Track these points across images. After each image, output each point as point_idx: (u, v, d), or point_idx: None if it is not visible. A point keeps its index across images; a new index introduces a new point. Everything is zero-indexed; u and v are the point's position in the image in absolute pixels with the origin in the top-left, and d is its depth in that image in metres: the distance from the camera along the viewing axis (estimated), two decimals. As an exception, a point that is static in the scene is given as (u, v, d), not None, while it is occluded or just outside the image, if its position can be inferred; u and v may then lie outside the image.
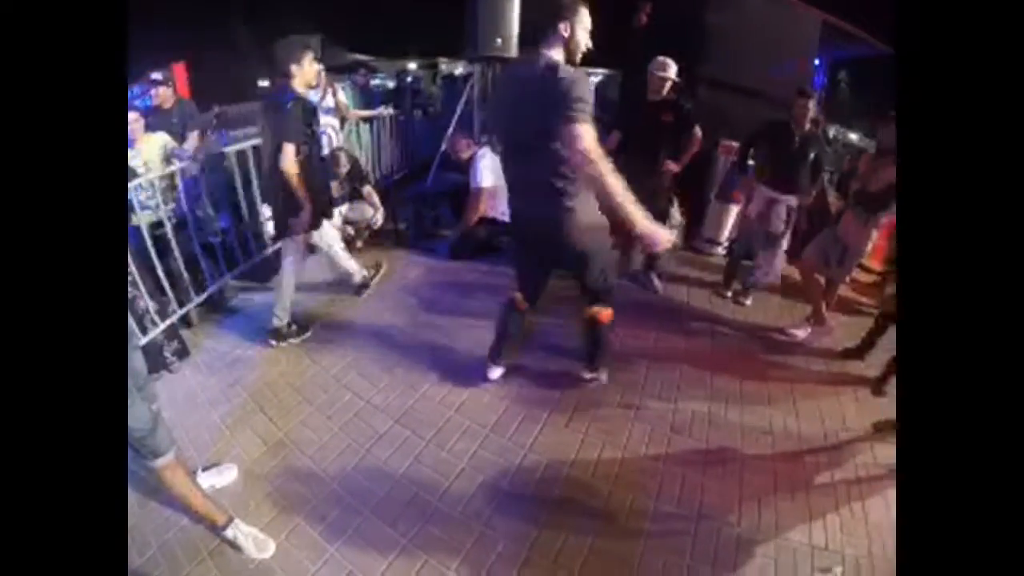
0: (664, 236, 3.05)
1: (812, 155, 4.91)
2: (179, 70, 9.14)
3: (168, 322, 4.03)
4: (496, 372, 3.89)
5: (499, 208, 5.51)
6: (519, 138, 3.06)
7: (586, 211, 3.11)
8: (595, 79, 12.69)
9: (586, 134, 2.75)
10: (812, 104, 4.84)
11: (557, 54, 2.92)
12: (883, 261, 5.65)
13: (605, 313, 3.56)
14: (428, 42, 19.32)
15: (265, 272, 5.23)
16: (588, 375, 3.90)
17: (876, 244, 5.31)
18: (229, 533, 2.59)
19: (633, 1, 7.44)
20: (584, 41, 2.97)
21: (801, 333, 5.03)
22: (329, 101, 6.78)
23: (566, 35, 2.91)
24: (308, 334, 4.33)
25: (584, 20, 2.94)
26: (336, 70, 9.78)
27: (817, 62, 11.18)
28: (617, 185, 2.86)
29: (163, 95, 6.01)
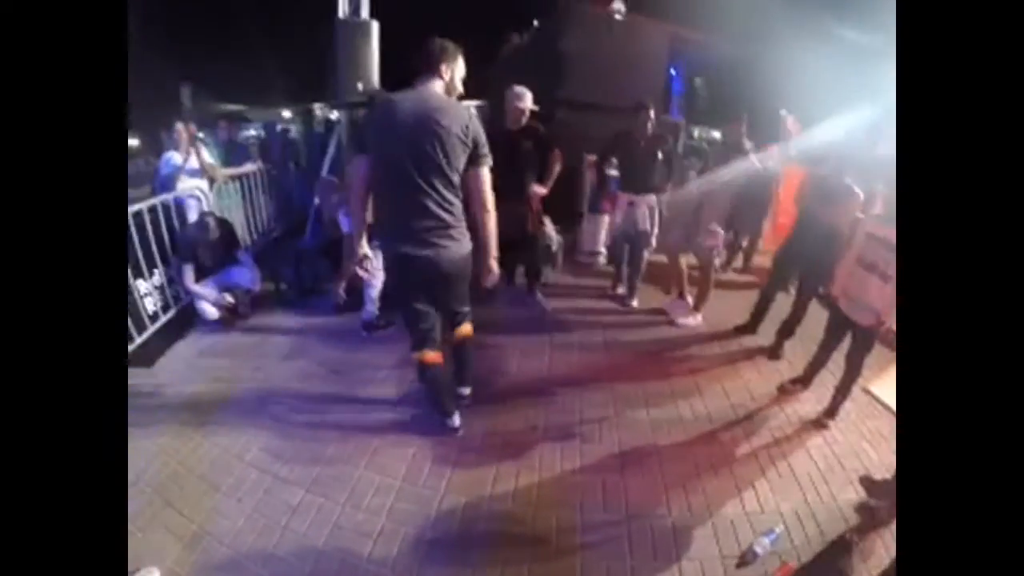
0: (494, 277, 3.44)
1: (660, 155, 5.28)
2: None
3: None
4: (456, 420, 3.76)
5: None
6: (406, 171, 2.96)
7: (465, 241, 3.24)
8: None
9: (487, 178, 3.06)
10: (651, 113, 5.28)
11: (442, 91, 3.04)
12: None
13: (468, 328, 3.67)
14: (300, 86, 19.18)
15: (150, 354, 4.83)
16: (464, 392, 3.95)
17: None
18: None
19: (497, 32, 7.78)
20: (459, 86, 3.13)
21: (692, 320, 5.32)
22: (193, 162, 6.49)
23: (446, 78, 3.02)
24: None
25: (461, 66, 3.11)
26: (207, 122, 9.39)
27: (673, 72, 11.87)
28: (494, 226, 3.24)
29: None
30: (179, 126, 6.61)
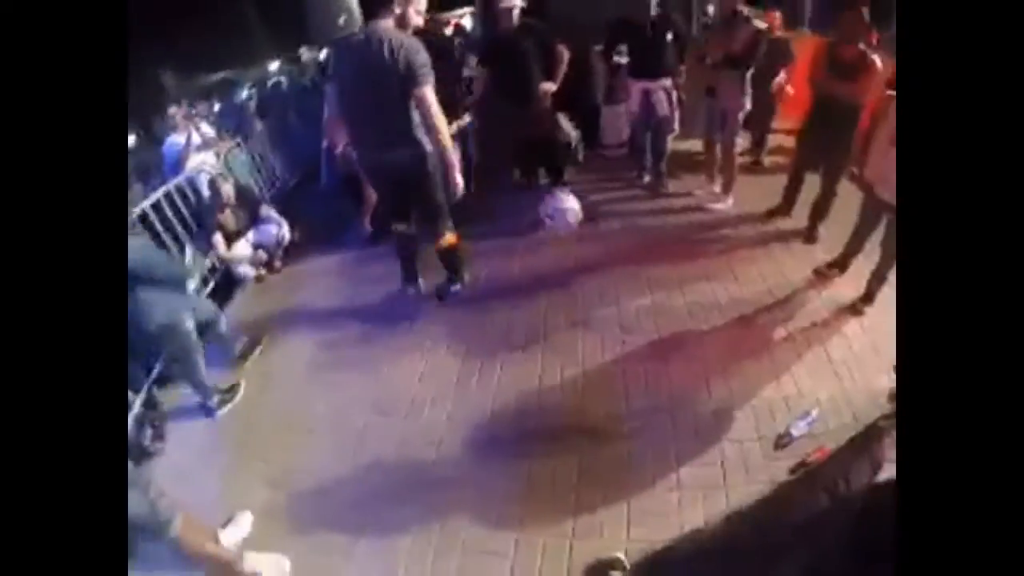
0: (457, 190, 3.77)
1: (669, 35, 5.08)
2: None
3: (133, 412, 3.60)
4: (412, 289, 4.31)
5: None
6: (373, 102, 3.50)
7: (420, 146, 3.62)
8: (463, 19, 12.46)
9: (429, 95, 3.38)
10: None
11: (390, 26, 3.38)
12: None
13: (453, 237, 4.06)
14: (281, 34, 18.62)
15: None
16: (454, 287, 4.31)
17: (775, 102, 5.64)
18: (248, 569, 2.58)
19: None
20: (415, 19, 3.54)
21: (722, 204, 5.28)
22: (196, 138, 6.43)
23: (398, 11, 3.40)
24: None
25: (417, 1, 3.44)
26: (203, 93, 9.22)
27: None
28: (447, 133, 3.58)
29: None
30: (172, 109, 6.77)
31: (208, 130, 6.79)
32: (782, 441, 2.85)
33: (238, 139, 7.18)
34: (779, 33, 5.55)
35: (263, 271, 5.40)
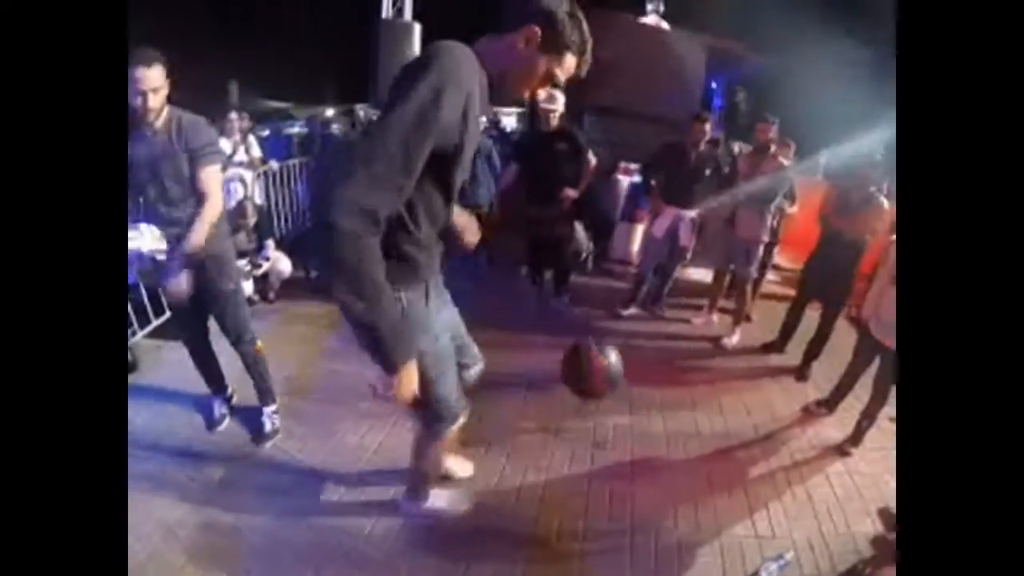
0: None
1: (708, 171, 5.21)
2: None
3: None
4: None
5: None
6: None
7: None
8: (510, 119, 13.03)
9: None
10: (708, 127, 5.18)
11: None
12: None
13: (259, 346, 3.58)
14: (343, 86, 19.32)
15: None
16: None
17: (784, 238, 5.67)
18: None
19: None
20: (135, 101, 2.81)
21: (729, 339, 5.28)
22: (241, 155, 6.68)
23: None
24: None
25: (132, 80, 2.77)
26: (253, 117, 9.58)
27: (714, 85, 11.76)
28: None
29: None
30: (233, 115, 6.98)
31: (256, 150, 7.08)
32: (750, 584, 2.66)
33: (275, 167, 7.40)
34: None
35: (257, 297, 5.59)
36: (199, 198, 3.02)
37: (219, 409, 3.73)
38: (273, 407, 3.66)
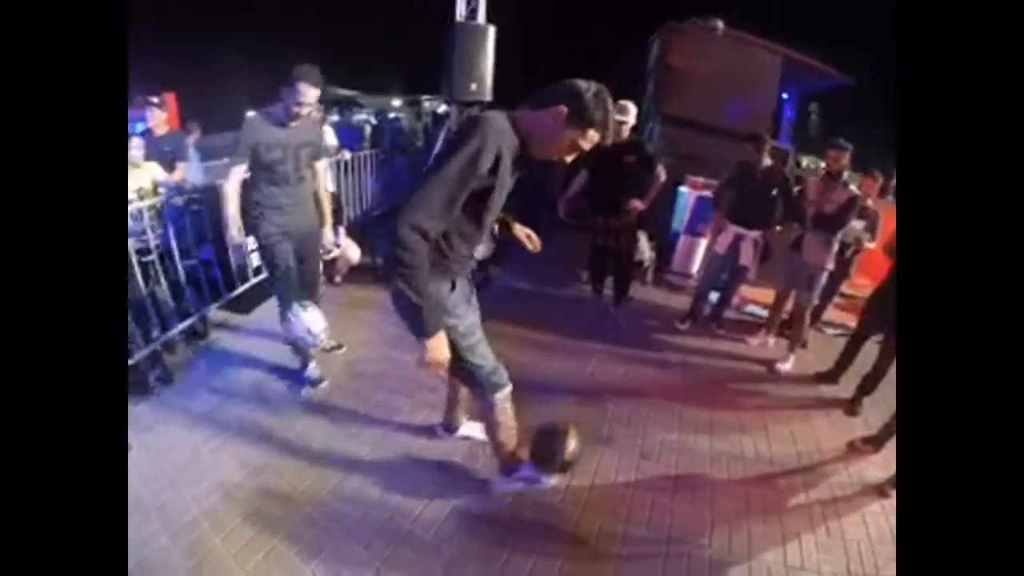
0: None
1: (774, 192, 5.16)
2: (169, 99, 9.15)
3: (151, 347, 4.06)
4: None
5: None
6: None
7: None
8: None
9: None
10: (765, 148, 5.15)
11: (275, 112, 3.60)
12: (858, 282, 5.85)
13: None
14: (410, 77, 19.57)
15: (248, 303, 5.29)
16: None
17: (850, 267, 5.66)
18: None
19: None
20: (295, 110, 3.52)
21: (783, 365, 5.21)
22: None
23: (282, 96, 3.51)
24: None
25: (298, 94, 3.45)
26: (328, 103, 9.90)
27: (786, 96, 11.50)
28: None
29: (158, 118, 5.96)
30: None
31: (332, 139, 7.25)
32: (774, 611, 2.70)
33: (347, 156, 7.66)
34: (870, 202, 5.52)
35: (324, 280, 5.73)
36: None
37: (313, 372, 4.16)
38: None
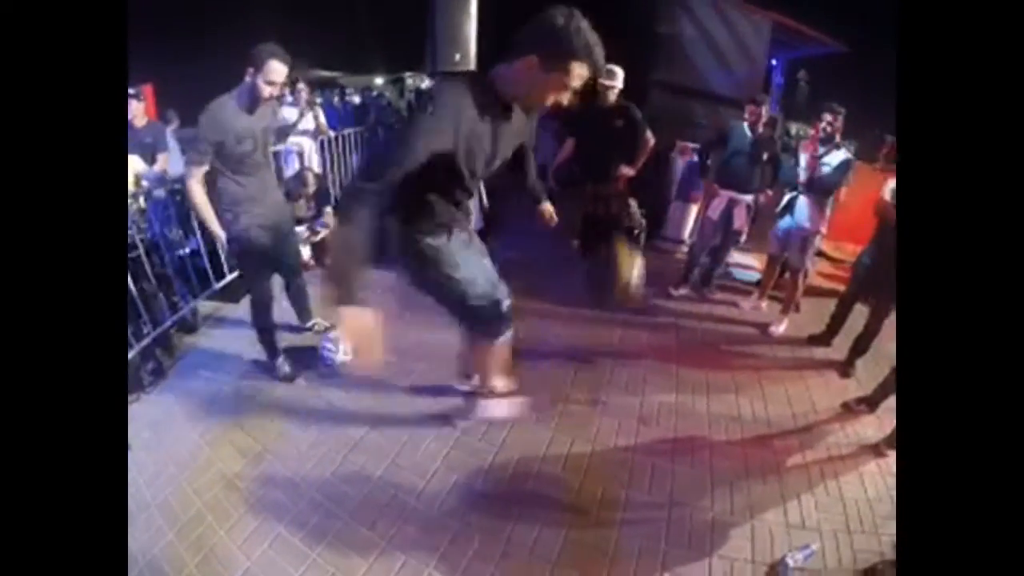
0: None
1: (766, 156, 5.19)
2: (147, 91, 9.04)
3: (143, 343, 4.04)
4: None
5: None
6: None
7: None
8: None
9: None
10: (764, 110, 5.15)
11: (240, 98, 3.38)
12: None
13: None
14: (393, 54, 19.36)
15: (237, 292, 5.25)
16: None
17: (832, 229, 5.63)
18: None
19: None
20: (266, 91, 3.31)
21: (780, 328, 5.25)
22: (309, 122, 6.89)
23: (248, 80, 3.31)
24: None
25: (268, 73, 3.25)
26: (311, 85, 9.85)
27: (775, 62, 11.46)
28: None
29: (136, 110, 5.88)
30: (301, 85, 7.11)
31: (322, 119, 7.31)
32: (775, 570, 2.74)
33: (331, 135, 7.64)
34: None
35: (312, 262, 5.89)
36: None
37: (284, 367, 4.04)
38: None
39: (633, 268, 3.36)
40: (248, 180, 3.53)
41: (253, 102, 3.34)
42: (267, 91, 3.28)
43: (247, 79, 3.28)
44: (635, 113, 5.33)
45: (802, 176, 4.91)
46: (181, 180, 4.51)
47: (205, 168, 3.38)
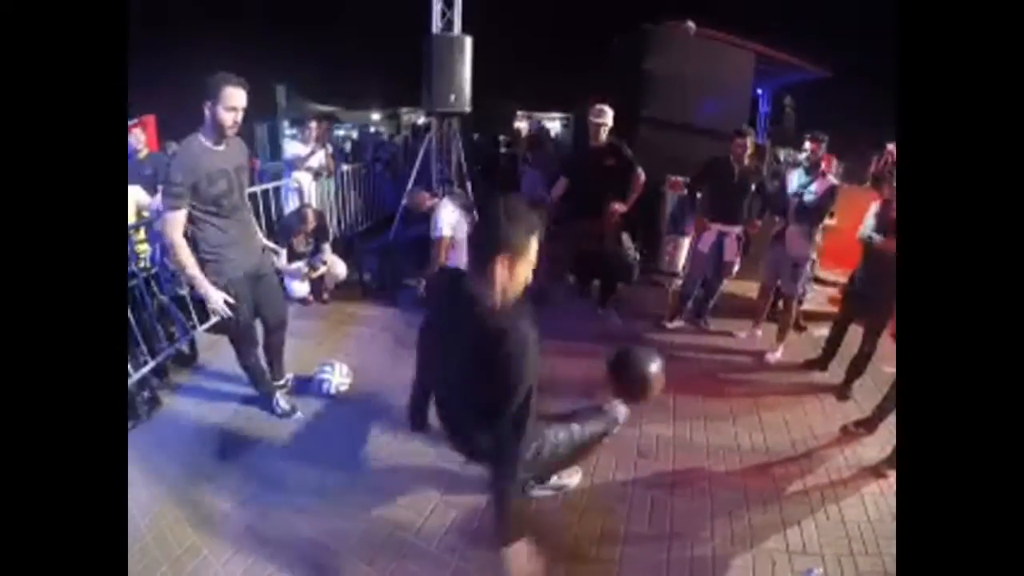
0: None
1: (753, 187, 5.25)
2: (149, 122, 9.08)
3: (141, 373, 4.03)
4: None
5: (460, 258, 5.45)
6: None
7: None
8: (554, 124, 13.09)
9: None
10: (749, 141, 5.20)
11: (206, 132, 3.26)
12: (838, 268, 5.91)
13: None
14: (390, 90, 19.52)
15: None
16: None
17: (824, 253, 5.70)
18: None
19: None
20: (228, 118, 3.19)
21: (772, 355, 5.26)
22: (320, 159, 7.10)
23: (207, 113, 3.18)
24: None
25: (226, 99, 3.16)
26: (300, 121, 9.97)
27: (760, 92, 11.63)
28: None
29: (139, 139, 5.91)
30: (313, 123, 7.33)
31: (330, 161, 7.55)
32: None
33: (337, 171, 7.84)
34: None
35: (311, 298, 5.99)
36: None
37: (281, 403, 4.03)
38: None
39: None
40: (227, 223, 3.41)
41: (218, 133, 3.23)
42: (229, 118, 3.18)
43: (206, 112, 3.19)
44: (625, 151, 5.42)
45: (790, 204, 4.97)
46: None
47: (184, 212, 3.23)
